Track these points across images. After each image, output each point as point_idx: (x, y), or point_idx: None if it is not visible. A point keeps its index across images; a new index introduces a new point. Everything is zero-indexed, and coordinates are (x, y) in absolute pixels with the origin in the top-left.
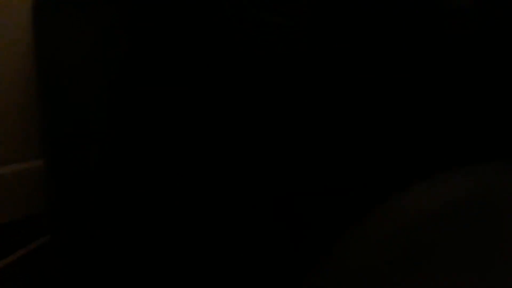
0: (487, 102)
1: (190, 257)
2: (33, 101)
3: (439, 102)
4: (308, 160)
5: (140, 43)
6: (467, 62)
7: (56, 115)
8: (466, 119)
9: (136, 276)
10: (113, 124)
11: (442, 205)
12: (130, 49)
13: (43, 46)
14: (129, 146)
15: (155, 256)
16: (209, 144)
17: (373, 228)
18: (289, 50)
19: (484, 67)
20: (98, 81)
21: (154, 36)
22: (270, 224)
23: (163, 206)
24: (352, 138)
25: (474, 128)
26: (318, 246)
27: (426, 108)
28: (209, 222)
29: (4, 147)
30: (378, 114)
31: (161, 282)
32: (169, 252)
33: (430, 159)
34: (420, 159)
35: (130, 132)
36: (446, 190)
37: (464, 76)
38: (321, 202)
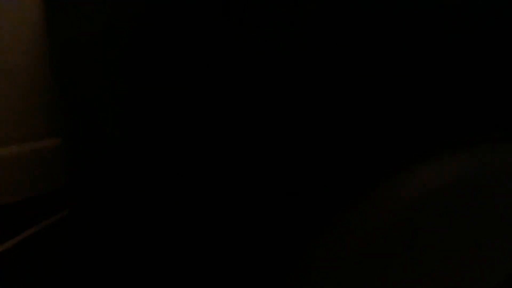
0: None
1: (193, 235)
2: (49, 82)
3: (437, 96)
4: (307, 157)
5: (143, 35)
6: (466, 61)
7: (71, 96)
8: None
9: (153, 244)
10: (130, 100)
11: (439, 186)
12: (133, 44)
13: (56, 28)
14: (144, 120)
15: (172, 233)
16: (208, 142)
17: (372, 209)
18: (289, 51)
19: (483, 66)
20: (112, 54)
21: (157, 32)
22: (269, 222)
23: (175, 180)
24: (352, 124)
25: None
26: (315, 234)
27: (424, 101)
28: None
29: (22, 126)
30: (379, 104)
31: (177, 254)
32: (177, 222)
33: (429, 138)
34: (419, 140)
35: (143, 109)
36: (444, 171)
37: (464, 74)
38: (320, 184)
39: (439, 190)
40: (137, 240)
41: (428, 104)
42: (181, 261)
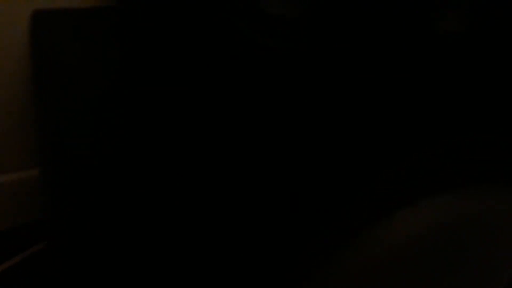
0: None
1: (187, 262)
2: (28, 111)
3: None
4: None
5: (133, 63)
6: (462, 69)
7: (52, 122)
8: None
9: (134, 281)
10: (110, 130)
11: (424, 231)
12: (123, 65)
13: (40, 55)
14: (126, 151)
15: (153, 260)
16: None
17: (359, 253)
18: (277, 70)
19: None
20: (94, 88)
21: (148, 52)
22: (267, 224)
23: (160, 210)
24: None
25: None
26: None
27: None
28: (206, 220)
29: (1, 157)
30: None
31: (158, 284)
32: (167, 255)
33: (412, 183)
34: (402, 184)
35: (126, 138)
36: (428, 217)
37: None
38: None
39: (419, 236)
40: (120, 273)
41: (410, 149)
42: (176, 279)
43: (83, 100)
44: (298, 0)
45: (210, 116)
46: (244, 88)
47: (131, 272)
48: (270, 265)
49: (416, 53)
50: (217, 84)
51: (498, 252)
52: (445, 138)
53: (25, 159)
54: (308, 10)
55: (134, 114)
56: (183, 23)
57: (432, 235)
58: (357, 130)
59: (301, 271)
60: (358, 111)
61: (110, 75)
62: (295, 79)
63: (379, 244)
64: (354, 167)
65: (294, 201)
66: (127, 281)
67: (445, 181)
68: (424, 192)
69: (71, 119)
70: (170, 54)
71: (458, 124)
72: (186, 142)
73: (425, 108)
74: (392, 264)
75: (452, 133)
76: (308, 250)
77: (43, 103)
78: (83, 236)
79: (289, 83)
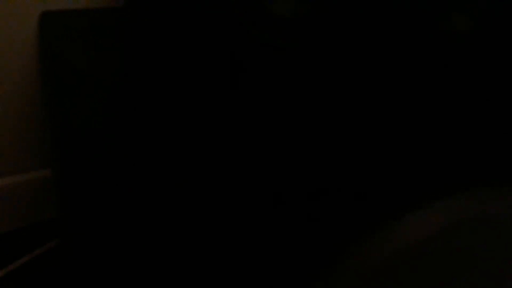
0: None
1: (194, 258)
2: (39, 111)
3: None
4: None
5: (138, 63)
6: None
7: (62, 122)
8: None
9: (145, 278)
10: (120, 130)
11: (433, 234)
12: (131, 65)
13: (49, 55)
14: (137, 150)
15: (163, 257)
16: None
17: (368, 255)
18: (284, 70)
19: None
20: (102, 87)
21: (158, 51)
22: (269, 225)
23: (166, 206)
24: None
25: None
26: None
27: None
28: (210, 220)
29: (12, 158)
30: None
31: (168, 281)
32: (173, 251)
33: (421, 188)
34: (412, 189)
35: (136, 137)
36: (436, 219)
37: (463, 85)
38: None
39: (428, 238)
40: (129, 272)
41: (421, 156)
42: (183, 275)
43: (91, 100)
44: (305, 1)
45: (220, 117)
46: (252, 88)
47: (141, 270)
48: (279, 265)
49: (421, 53)
50: (225, 85)
51: (507, 255)
52: (450, 139)
53: (37, 159)
54: (315, 11)
55: (144, 113)
56: (190, 24)
57: (440, 238)
58: (364, 130)
59: (311, 272)
60: (367, 111)
61: (118, 75)
62: (303, 79)
63: (388, 246)
64: (362, 169)
65: (303, 203)
66: (137, 279)
67: (453, 183)
68: (432, 195)
69: (80, 118)
70: (178, 54)
71: (463, 125)
72: (201, 144)
73: (432, 108)
74: (401, 266)
75: (456, 134)
76: (317, 251)
77: (52, 103)
78: (95, 234)
79: (297, 83)
